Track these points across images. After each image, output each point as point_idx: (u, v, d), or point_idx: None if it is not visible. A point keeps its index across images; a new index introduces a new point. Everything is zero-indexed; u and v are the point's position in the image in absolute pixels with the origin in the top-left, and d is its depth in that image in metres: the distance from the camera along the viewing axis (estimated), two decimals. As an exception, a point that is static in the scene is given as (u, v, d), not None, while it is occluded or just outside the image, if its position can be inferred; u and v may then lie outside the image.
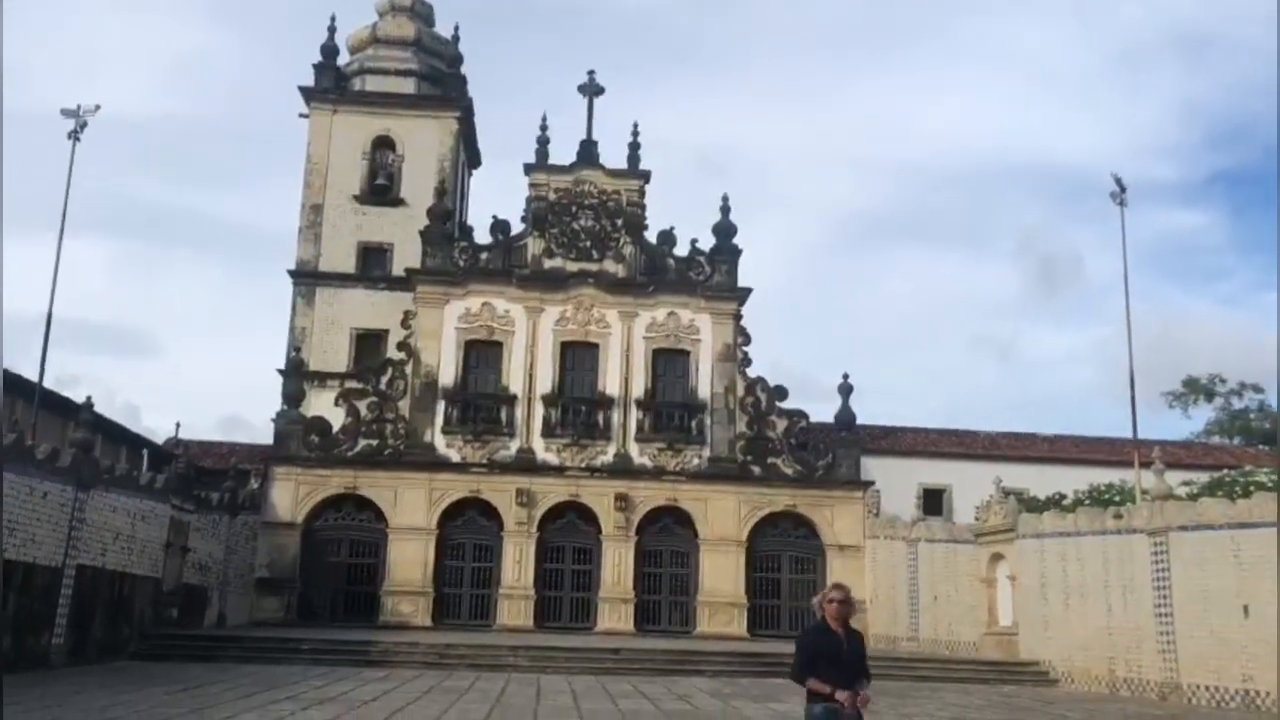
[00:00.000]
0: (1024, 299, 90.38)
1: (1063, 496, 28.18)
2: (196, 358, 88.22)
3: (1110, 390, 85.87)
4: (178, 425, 31.58)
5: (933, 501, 33.08)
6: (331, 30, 37.62)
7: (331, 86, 36.97)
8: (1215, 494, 23.13)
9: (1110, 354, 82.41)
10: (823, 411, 32.41)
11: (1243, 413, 51.92)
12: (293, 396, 31.10)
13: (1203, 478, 27.63)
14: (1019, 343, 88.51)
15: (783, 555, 31.01)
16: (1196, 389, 52.87)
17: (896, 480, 31.83)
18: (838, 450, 31.45)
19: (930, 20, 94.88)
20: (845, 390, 31.78)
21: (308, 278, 34.99)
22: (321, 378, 33.63)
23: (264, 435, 33.76)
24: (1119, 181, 26.94)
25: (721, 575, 30.23)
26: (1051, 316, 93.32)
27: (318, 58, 37.23)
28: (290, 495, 29.63)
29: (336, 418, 31.01)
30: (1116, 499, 25.60)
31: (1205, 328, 78.64)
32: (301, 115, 36.75)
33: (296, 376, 31.99)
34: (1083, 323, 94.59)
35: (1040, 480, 30.70)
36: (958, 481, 32.66)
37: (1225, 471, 27.58)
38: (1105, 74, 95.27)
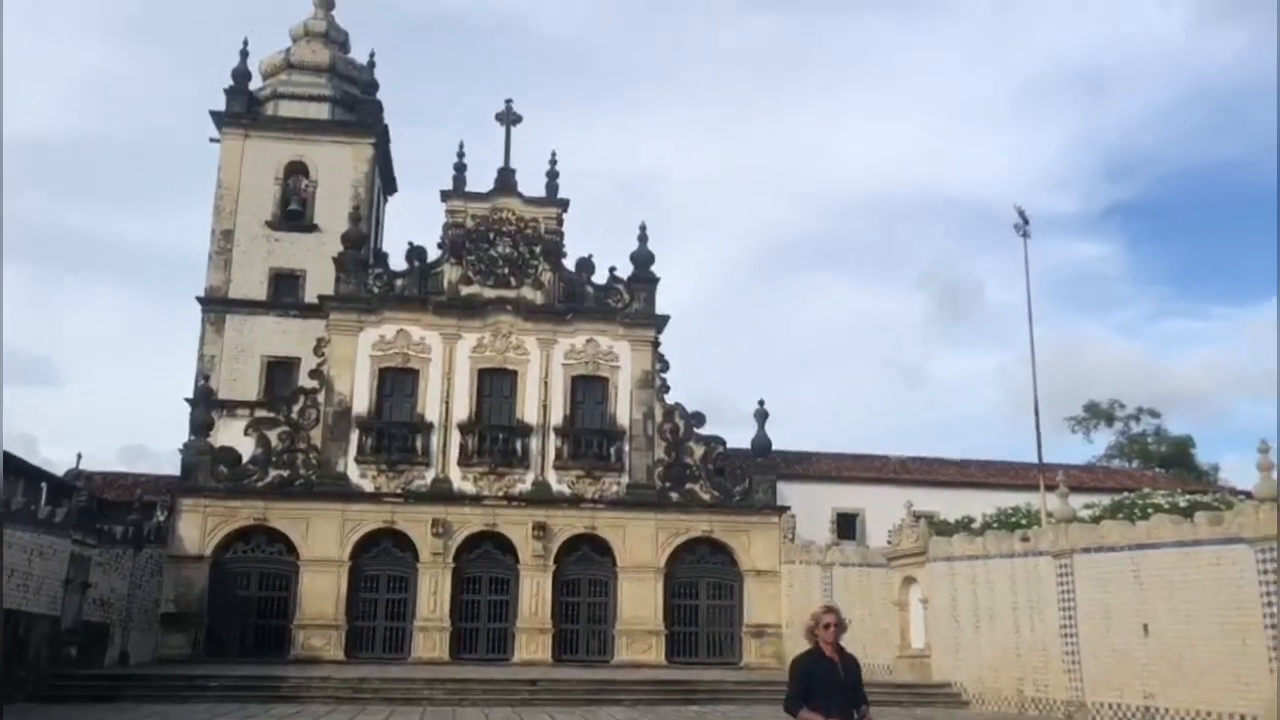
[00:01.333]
0: (929, 325, 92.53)
1: (971, 520, 28.82)
2: (98, 386, 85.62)
3: (1013, 413, 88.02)
4: (79, 456, 30.48)
5: (846, 526, 33.58)
6: (244, 54, 37.09)
7: (244, 111, 36.42)
8: (1116, 516, 23.89)
9: (1012, 378, 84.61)
10: (740, 437, 32.74)
11: (1140, 437, 53.70)
12: (201, 426, 30.39)
13: (1104, 500, 28.53)
14: (926, 367, 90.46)
15: (700, 581, 31.11)
16: (1097, 414, 54.55)
17: (811, 505, 32.29)
18: (754, 476, 31.73)
19: (844, 52, 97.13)
20: (761, 416, 32.12)
21: (218, 304, 34.28)
22: (231, 407, 32.91)
23: (169, 466, 32.95)
24: (1021, 213, 27.79)
25: (640, 603, 30.21)
26: (956, 342, 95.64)
27: (229, 82, 36.67)
28: (198, 527, 28.87)
29: (246, 448, 30.33)
30: (1023, 522, 26.26)
31: (1103, 354, 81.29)
32: (213, 139, 36.13)
33: (205, 405, 31.26)
34: (986, 348, 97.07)
35: (950, 504, 31.35)
36: (870, 506, 33.20)
37: (1125, 494, 28.51)
38: (1009, 108, 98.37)
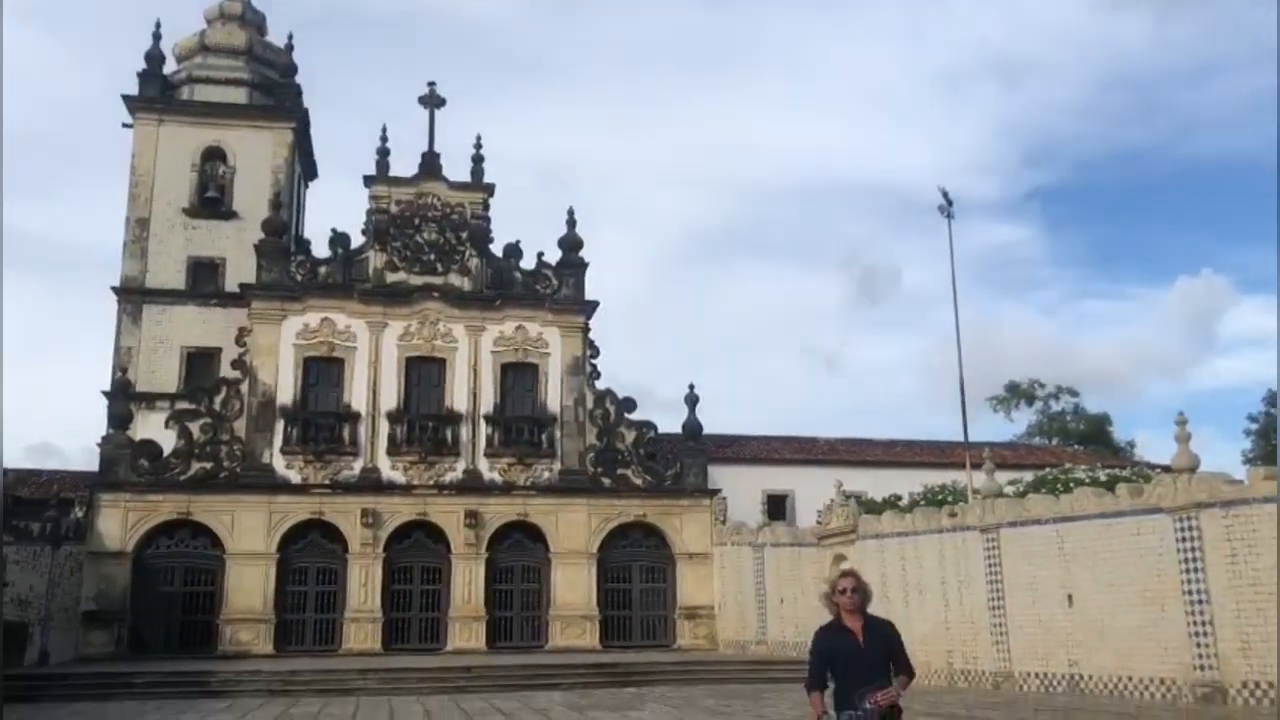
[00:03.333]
0: (849, 311, 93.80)
1: (899, 498, 29.25)
2: (5, 382, 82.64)
3: (933, 395, 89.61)
4: (-11, 453, 29.57)
5: (776, 507, 33.89)
6: (156, 37, 36.03)
7: (157, 95, 35.39)
8: (1039, 491, 24.43)
9: (930, 361, 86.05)
10: (669, 423, 32.86)
11: (1060, 415, 55.10)
12: (120, 419, 29.58)
13: (1027, 476, 29.12)
14: (845, 352, 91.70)
15: (633, 565, 31.19)
16: (1018, 393, 55.80)
17: (742, 487, 32.52)
18: (685, 460, 31.87)
19: (764, 39, 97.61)
20: (691, 401, 32.27)
21: (134, 295, 33.30)
22: (150, 399, 32.03)
23: (78, 463, 31.96)
24: (946, 195, 28.26)
25: (573, 588, 30.19)
26: (874, 327, 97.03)
27: (142, 65, 35.62)
28: (118, 523, 28.13)
29: (168, 441, 29.61)
30: (950, 499, 26.72)
31: (1020, 336, 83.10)
32: (125, 125, 35.05)
33: (123, 398, 30.42)
34: (904, 332, 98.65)
35: (878, 483, 31.75)
36: (800, 487, 33.54)
37: (1047, 470, 29.13)
38: (929, 95, 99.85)
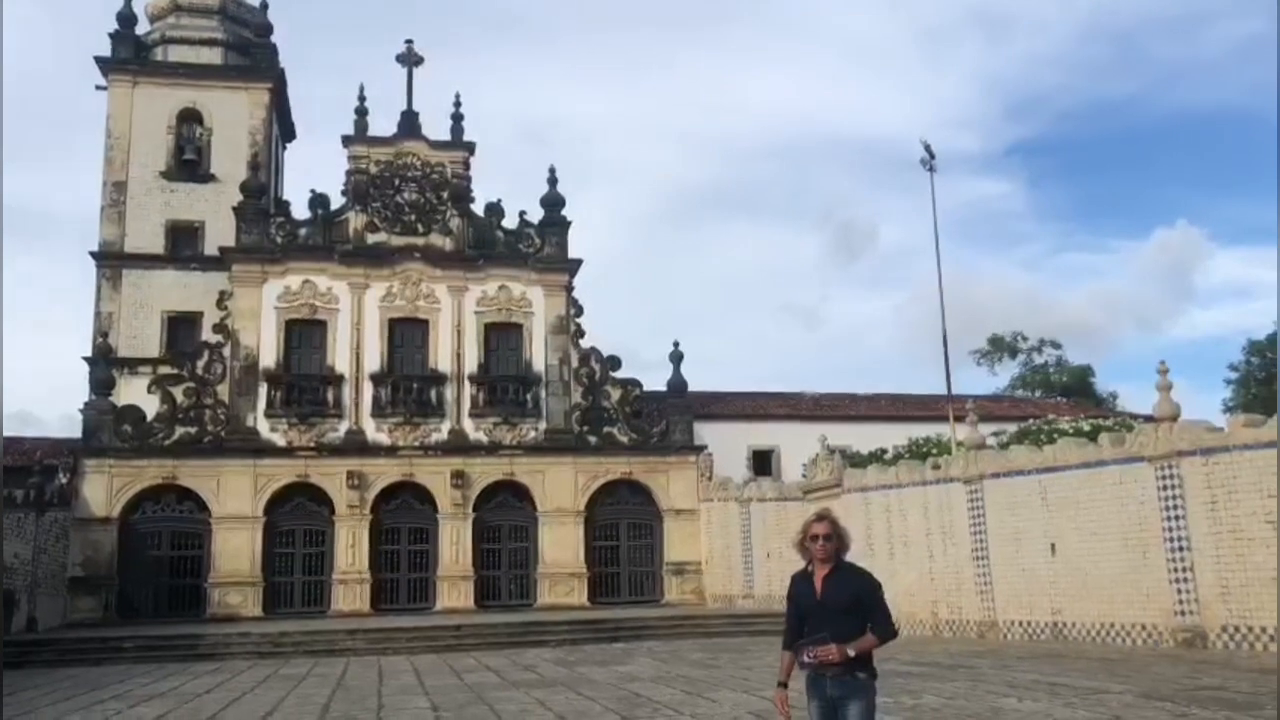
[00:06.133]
0: (828, 267, 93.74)
1: (884, 451, 29.39)
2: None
3: (914, 351, 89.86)
4: (-29, 421, 29.39)
5: (762, 462, 34.03)
6: (128, -3, 35.44)
7: (131, 57, 34.83)
8: (1023, 442, 24.59)
9: (910, 318, 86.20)
10: (653, 381, 32.86)
11: (1043, 368, 55.38)
12: (102, 384, 29.39)
13: (1011, 428, 29.31)
14: (826, 309, 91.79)
15: (620, 523, 31.32)
16: (1001, 347, 56.05)
17: (727, 443, 32.60)
18: (671, 417, 31.91)
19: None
20: (676, 358, 32.26)
21: (113, 259, 32.95)
22: (132, 364, 31.80)
23: (59, 430, 31.75)
24: (928, 148, 28.13)
25: (561, 546, 30.31)
26: (854, 282, 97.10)
27: (114, 26, 35.04)
28: (103, 489, 28.04)
29: (151, 406, 29.45)
30: (934, 451, 26.87)
31: (1001, 290, 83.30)
32: (99, 87, 34.52)
33: (105, 364, 30.21)
34: (884, 289, 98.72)
35: (862, 437, 31.86)
36: (785, 442, 33.65)
37: (1031, 421, 29.31)
38: (911, 49, 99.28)
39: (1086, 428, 25.84)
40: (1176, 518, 17.99)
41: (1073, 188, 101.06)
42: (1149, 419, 20.79)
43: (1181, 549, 17.87)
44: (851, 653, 5.31)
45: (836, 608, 5.45)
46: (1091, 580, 19.42)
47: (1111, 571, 19.04)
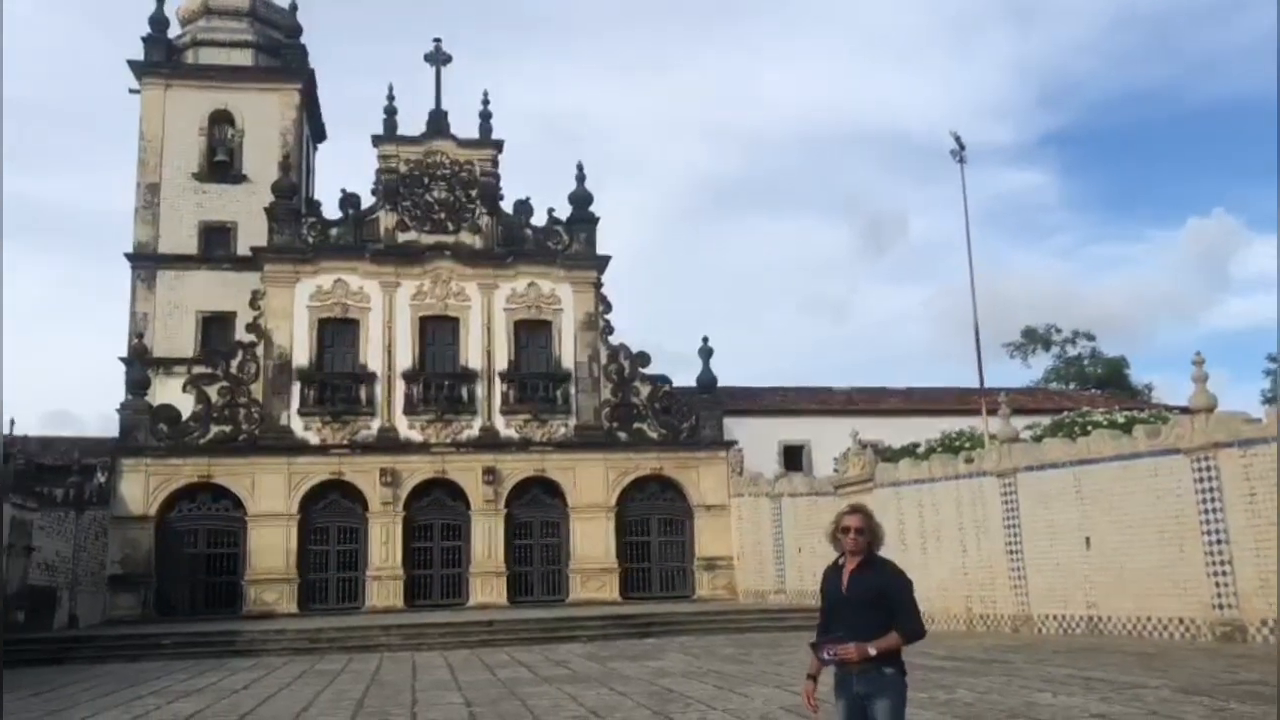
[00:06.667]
0: (856, 260, 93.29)
1: (916, 446, 29.19)
2: (23, 351, 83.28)
3: (944, 342, 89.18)
4: (12, 422, 29.81)
5: (793, 457, 33.93)
6: (160, 0, 35.83)
7: (163, 60, 35.27)
8: (1057, 435, 24.38)
9: (940, 311, 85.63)
10: (684, 376, 32.84)
11: (1077, 359, 54.77)
12: (138, 384, 29.78)
13: (1045, 421, 29.02)
14: (855, 303, 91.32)
15: (651, 518, 31.35)
16: (1034, 339, 55.46)
17: (758, 439, 32.54)
18: (700, 412, 31.89)
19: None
20: (705, 353, 32.24)
21: (147, 261, 33.41)
22: (167, 364, 32.25)
23: (95, 430, 32.16)
24: (958, 139, 27.96)
25: (592, 542, 30.38)
26: (883, 276, 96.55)
27: (146, 30, 35.44)
28: (141, 487, 28.39)
29: (186, 405, 29.79)
30: (967, 445, 26.68)
31: (1032, 282, 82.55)
32: (132, 91, 34.95)
33: (141, 364, 30.62)
34: (913, 282, 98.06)
35: (894, 432, 31.71)
36: (816, 437, 33.53)
37: (1065, 414, 29.02)
38: (941, 38, 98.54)
39: (1121, 420, 25.56)
40: (1214, 510, 17.79)
41: (1105, 177, 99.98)
42: (1185, 411, 20.56)
43: (1220, 542, 17.66)
44: (872, 651, 5.20)
45: (861, 602, 5.33)
46: (1127, 574, 19.23)
47: (1147, 565, 18.85)
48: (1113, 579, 19.51)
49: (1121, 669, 14.14)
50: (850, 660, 5.22)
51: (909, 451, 28.36)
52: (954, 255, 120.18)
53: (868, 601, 5.32)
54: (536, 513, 30.81)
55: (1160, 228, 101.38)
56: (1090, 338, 55.03)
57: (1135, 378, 53.69)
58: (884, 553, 5.65)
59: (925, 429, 30.80)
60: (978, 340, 28.18)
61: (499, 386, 31.23)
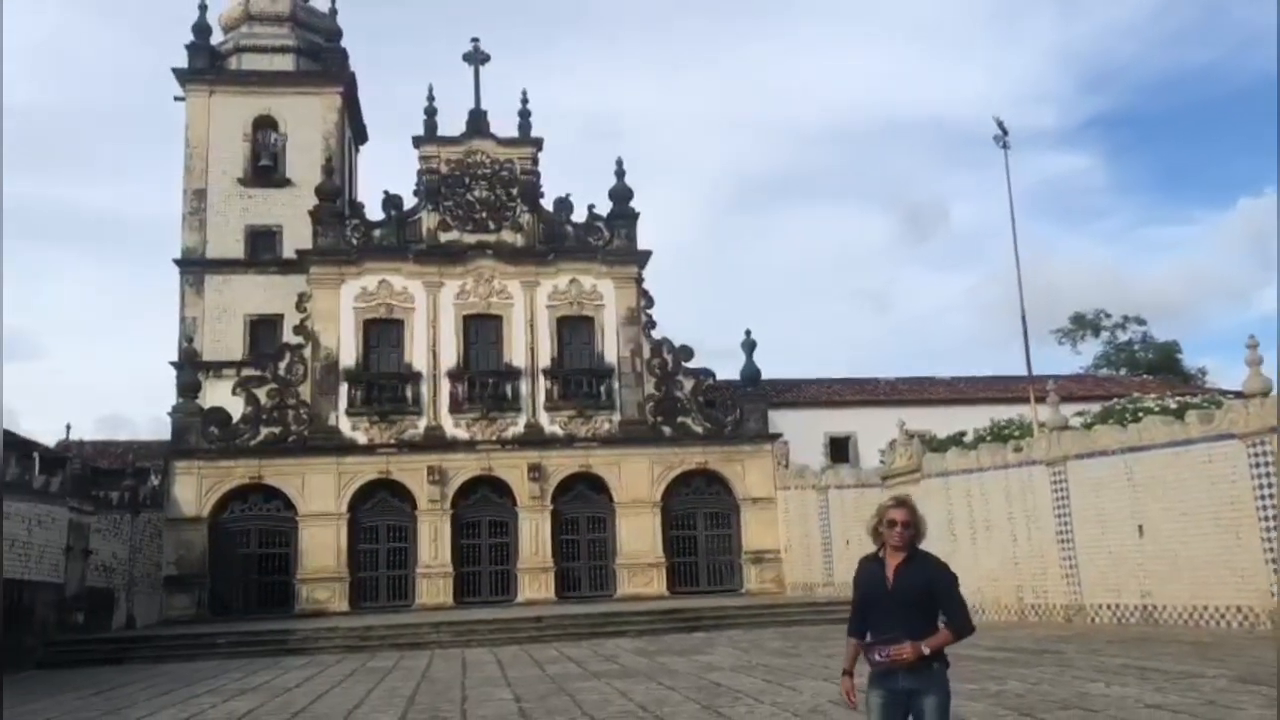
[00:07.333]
0: (898, 249, 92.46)
1: (964, 435, 28.90)
2: (75, 358, 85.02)
3: (990, 330, 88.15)
4: (68, 427, 30.60)
5: (839, 449, 33.76)
6: (203, 8, 36.37)
7: (207, 66, 35.77)
8: (1107, 422, 24.00)
9: (984, 296, 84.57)
10: (728, 369, 32.78)
11: (1127, 345, 53.89)
12: (189, 388, 30.25)
13: (1095, 408, 28.57)
14: (898, 292, 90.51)
15: (697, 512, 31.33)
16: (1084, 324, 54.62)
17: (803, 431, 32.38)
18: (745, 406, 31.80)
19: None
20: (749, 346, 32.14)
21: (195, 265, 33.94)
22: (217, 367, 32.75)
23: (148, 433, 32.71)
24: (1001, 125, 27.56)
25: (639, 537, 30.42)
26: (926, 264, 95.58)
27: (190, 37, 35.97)
28: (193, 489, 28.84)
29: (236, 407, 30.22)
30: (1016, 434, 26.37)
31: (1078, 267, 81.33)
32: (177, 98, 35.49)
33: (191, 367, 31.12)
34: (957, 270, 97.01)
35: (942, 421, 31.41)
36: (862, 428, 33.31)
37: (1115, 400, 28.57)
38: (981, 24, 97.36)
39: (1173, 405, 25.12)
40: (1271, 496, 17.43)
41: (1153, 159, 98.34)
42: (1239, 395, 20.15)
43: (1278, 528, 17.30)
44: (926, 650, 5.11)
45: (908, 599, 5.19)
46: (1182, 562, 18.91)
47: (1202, 552, 18.52)
48: (1167, 567, 19.19)
49: (1177, 658, 13.92)
50: (906, 660, 5.11)
51: (956, 441, 28.07)
52: (998, 242, 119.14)
53: (914, 598, 5.20)
54: (582, 508, 30.90)
55: (1211, 209, 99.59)
56: (1141, 322, 54.14)
57: (1188, 362, 52.76)
58: (932, 544, 5.57)
59: (972, 418, 30.47)
60: (1025, 327, 27.83)
61: (543, 383, 31.35)
